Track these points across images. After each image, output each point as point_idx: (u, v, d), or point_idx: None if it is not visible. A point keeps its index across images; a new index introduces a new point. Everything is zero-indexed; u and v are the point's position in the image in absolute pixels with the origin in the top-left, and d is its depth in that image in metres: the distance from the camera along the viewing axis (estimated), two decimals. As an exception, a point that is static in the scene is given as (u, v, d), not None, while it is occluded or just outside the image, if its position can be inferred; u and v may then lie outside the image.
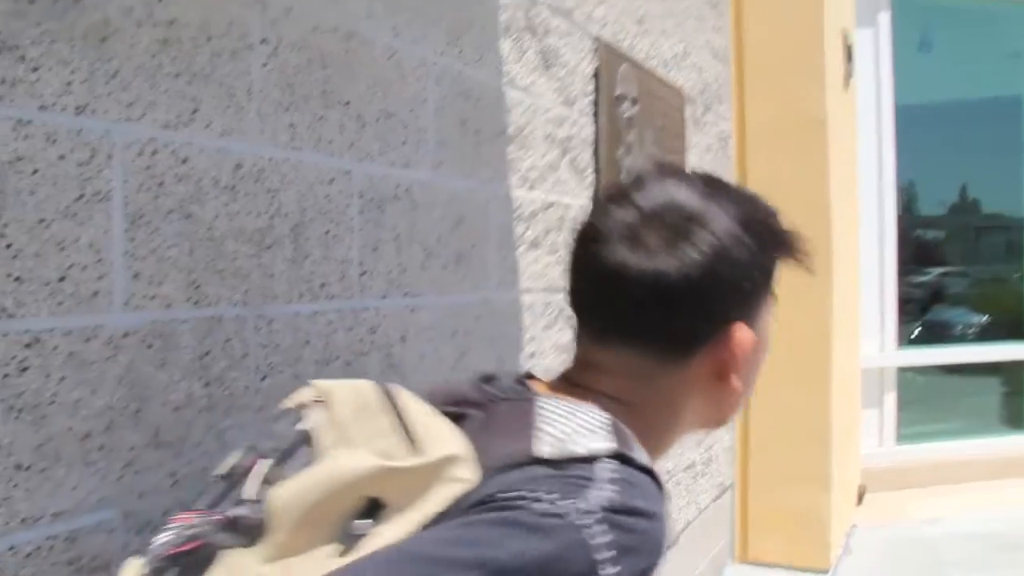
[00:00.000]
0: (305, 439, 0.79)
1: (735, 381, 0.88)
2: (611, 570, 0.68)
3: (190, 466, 1.13)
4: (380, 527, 0.73)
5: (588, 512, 0.69)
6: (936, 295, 6.78)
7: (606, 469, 0.73)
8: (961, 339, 6.53)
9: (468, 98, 1.76)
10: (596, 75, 2.30)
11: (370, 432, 0.78)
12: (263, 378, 1.25)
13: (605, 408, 0.82)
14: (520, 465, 0.74)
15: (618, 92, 2.40)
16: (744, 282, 0.86)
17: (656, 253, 0.81)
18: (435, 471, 0.75)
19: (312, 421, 0.80)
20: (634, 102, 2.48)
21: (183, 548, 0.76)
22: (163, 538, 0.77)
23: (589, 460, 0.74)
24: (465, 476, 0.75)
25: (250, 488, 0.76)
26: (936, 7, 6.21)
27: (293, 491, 0.73)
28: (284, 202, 1.29)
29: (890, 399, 5.85)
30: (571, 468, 0.73)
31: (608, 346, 0.87)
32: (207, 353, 1.16)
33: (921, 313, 6.66)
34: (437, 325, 1.64)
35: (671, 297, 0.82)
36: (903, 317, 6.19)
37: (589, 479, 0.72)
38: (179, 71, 1.13)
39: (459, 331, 1.69)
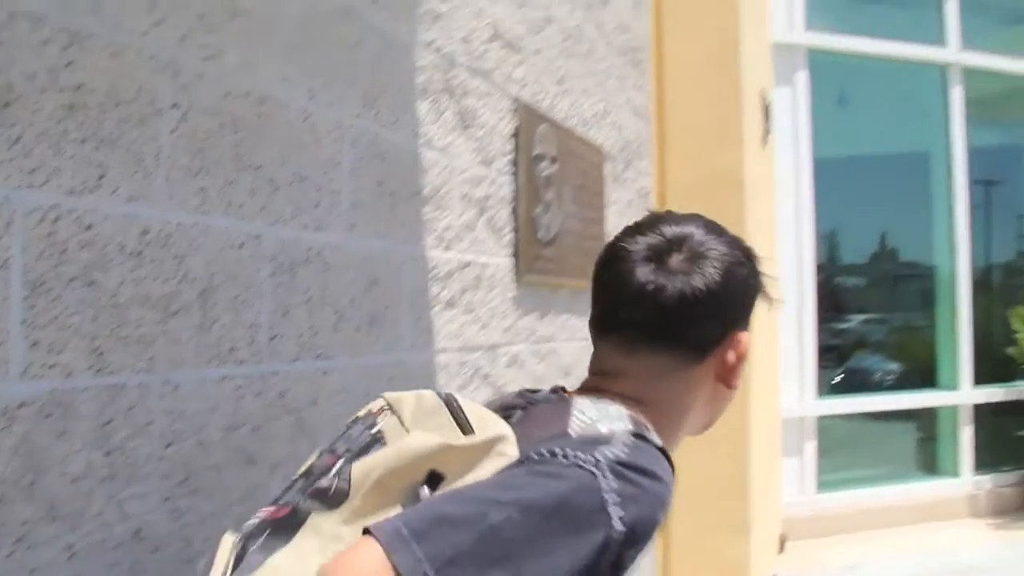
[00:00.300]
0: (378, 439, 0.95)
1: (734, 381, 1.08)
2: (618, 511, 0.84)
3: (88, 538, 1.10)
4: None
5: (600, 463, 0.86)
6: (858, 342, 6.95)
7: (622, 438, 0.91)
8: (879, 386, 6.70)
9: (384, 159, 1.77)
10: (515, 135, 2.34)
11: (431, 425, 0.94)
12: (167, 445, 1.23)
13: (627, 406, 1.00)
14: (554, 438, 0.91)
15: (537, 151, 2.44)
16: (745, 297, 1.08)
17: (681, 273, 1.01)
18: (485, 448, 0.90)
19: (383, 424, 0.97)
20: (553, 161, 2.52)
21: (276, 515, 0.94)
22: (254, 519, 0.95)
23: (609, 437, 0.91)
24: (510, 452, 0.91)
25: (332, 473, 0.93)
26: (852, 67, 6.46)
27: (369, 463, 0.91)
28: (192, 267, 1.28)
29: (810, 447, 5.96)
30: (593, 439, 0.91)
31: (635, 352, 1.04)
32: (109, 422, 1.15)
33: (843, 360, 6.83)
34: (349, 387, 1.64)
35: (695, 307, 1.01)
36: (826, 364, 6.35)
37: (607, 442, 0.90)
38: (85, 137, 1.12)
39: (372, 393, 1.66)
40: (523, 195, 2.33)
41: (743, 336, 1.07)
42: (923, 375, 6.76)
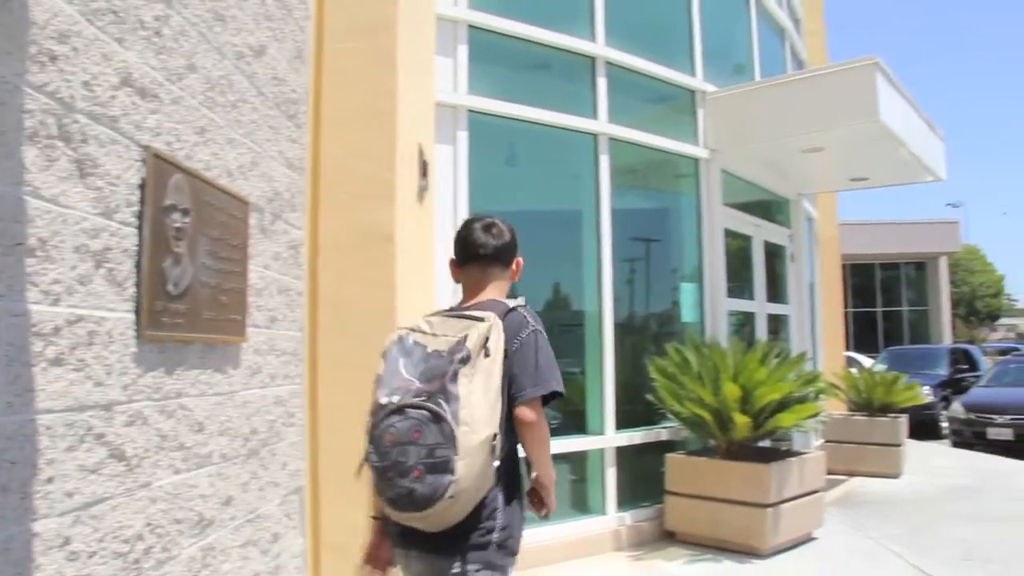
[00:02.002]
0: (465, 335, 2.47)
1: (516, 276, 2.88)
2: (534, 327, 2.62)
3: None
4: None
5: (531, 319, 2.65)
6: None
7: (524, 307, 2.68)
8: (550, 429, 7.04)
9: (-23, 208, 1.65)
10: (142, 185, 2.26)
11: (461, 326, 2.53)
12: None
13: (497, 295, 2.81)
14: (507, 312, 2.61)
15: (168, 202, 2.37)
16: (515, 244, 2.88)
17: (497, 235, 2.81)
18: (497, 326, 2.53)
19: (413, 333, 2.61)
20: (186, 212, 2.46)
21: (436, 377, 2.42)
22: (409, 384, 2.46)
23: (518, 306, 2.66)
24: (499, 325, 2.53)
25: (462, 352, 2.46)
26: (512, 129, 6.82)
27: (474, 341, 2.45)
28: None
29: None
30: (516, 311, 2.64)
31: (486, 269, 2.79)
32: None
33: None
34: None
35: (505, 247, 2.82)
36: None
37: (523, 312, 2.66)
38: None
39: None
40: (148, 247, 2.25)
41: (519, 259, 2.88)
42: (578, 419, 7.22)
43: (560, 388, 2.60)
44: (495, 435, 2.38)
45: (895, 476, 10.49)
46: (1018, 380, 16.81)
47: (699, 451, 7.32)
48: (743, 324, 9.64)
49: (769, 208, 10.60)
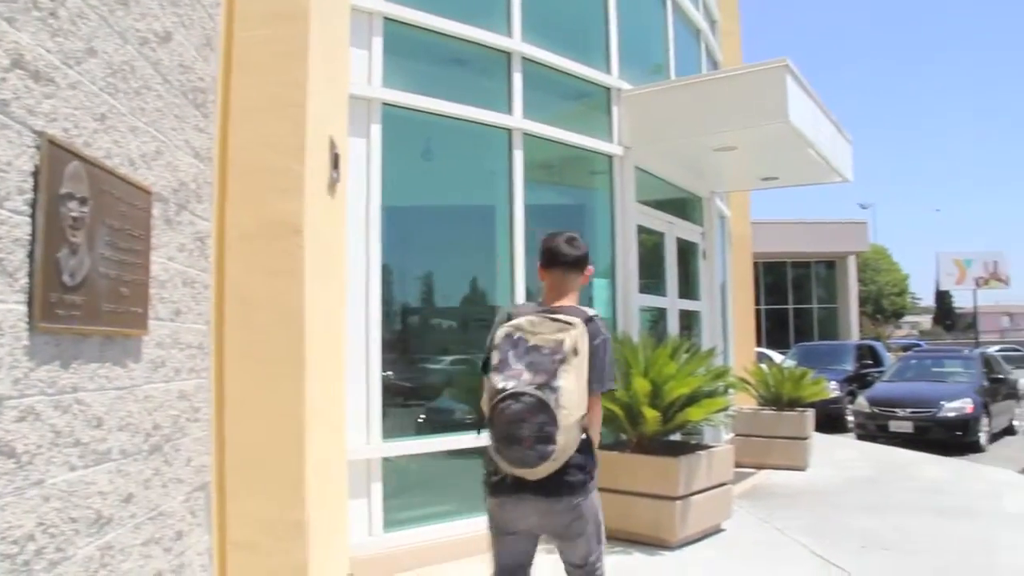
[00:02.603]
0: (560, 338, 3.48)
1: (586, 280, 3.94)
2: (605, 336, 3.71)
3: None
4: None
5: (603, 328, 3.70)
6: (447, 383, 7.27)
7: (598, 317, 3.69)
8: (461, 425, 7.04)
9: None
10: (35, 172, 2.18)
11: (557, 326, 3.52)
12: None
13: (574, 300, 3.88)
14: (588, 319, 3.62)
15: (64, 191, 2.29)
16: (588, 257, 3.94)
17: (577, 248, 3.88)
18: (581, 329, 3.55)
19: (518, 330, 3.56)
20: (83, 201, 2.38)
21: (541, 370, 3.42)
22: (521, 374, 3.44)
23: (594, 316, 3.66)
24: (581, 328, 3.55)
25: (561, 352, 3.49)
26: (427, 123, 6.80)
27: (568, 345, 3.45)
28: None
29: (377, 489, 6.12)
30: (595, 319, 3.66)
31: (566, 274, 3.86)
32: None
33: (432, 400, 7.11)
34: None
35: (581, 259, 3.88)
36: (414, 404, 6.60)
37: (599, 322, 3.68)
38: None
39: None
40: (43, 237, 2.17)
41: (590, 267, 3.92)
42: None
43: (615, 386, 3.88)
44: (583, 416, 3.50)
45: (802, 468, 10.79)
46: (919, 375, 17.47)
47: (610, 445, 7.40)
48: (655, 320, 9.79)
49: (682, 206, 10.77)
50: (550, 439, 3.34)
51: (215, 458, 3.98)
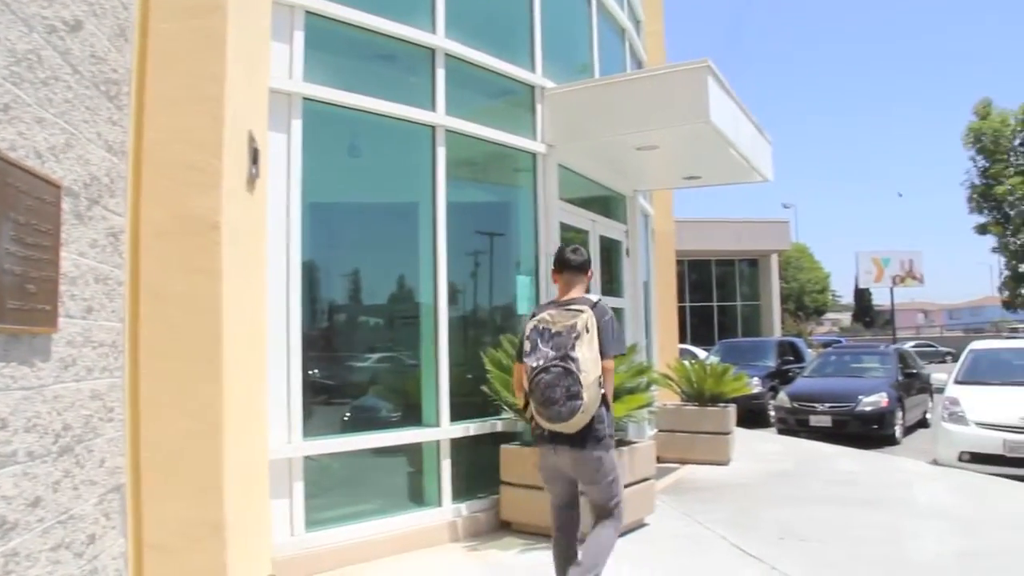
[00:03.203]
0: (574, 321, 4.69)
1: (589, 279, 5.18)
2: (610, 315, 4.86)
3: None
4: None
5: (608, 309, 4.84)
6: (372, 380, 7.19)
7: (601, 302, 4.82)
8: (385, 423, 6.98)
9: None
10: (-65, 164, 2.10)
11: (570, 314, 4.71)
12: None
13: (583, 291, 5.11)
14: (593, 305, 4.75)
15: (-34, 184, 2.21)
16: (590, 262, 5.23)
17: (581, 255, 5.12)
18: (591, 313, 4.71)
19: (542, 322, 4.78)
20: (-13, 195, 2.31)
21: (562, 348, 4.70)
22: (548, 353, 4.68)
23: (598, 301, 4.82)
24: (591, 313, 4.71)
25: (574, 332, 4.75)
26: (349, 119, 6.72)
27: (579, 325, 4.63)
28: None
29: (298, 487, 6.04)
30: (599, 304, 4.79)
31: (575, 274, 5.09)
32: None
33: (356, 398, 7.03)
34: None
35: (586, 263, 5.13)
36: (339, 402, 6.53)
37: (602, 305, 4.80)
38: None
39: None
40: (-57, 231, 2.09)
41: (591, 270, 5.17)
42: (413, 412, 7.19)
43: (624, 351, 5.53)
44: (599, 377, 4.61)
45: (724, 463, 10.96)
46: (838, 371, 17.92)
47: (528, 443, 7.43)
48: (580, 317, 9.81)
49: (606, 204, 10.85)
50: (578, 396, 4.51)
51: (130, 459, 3.89)
